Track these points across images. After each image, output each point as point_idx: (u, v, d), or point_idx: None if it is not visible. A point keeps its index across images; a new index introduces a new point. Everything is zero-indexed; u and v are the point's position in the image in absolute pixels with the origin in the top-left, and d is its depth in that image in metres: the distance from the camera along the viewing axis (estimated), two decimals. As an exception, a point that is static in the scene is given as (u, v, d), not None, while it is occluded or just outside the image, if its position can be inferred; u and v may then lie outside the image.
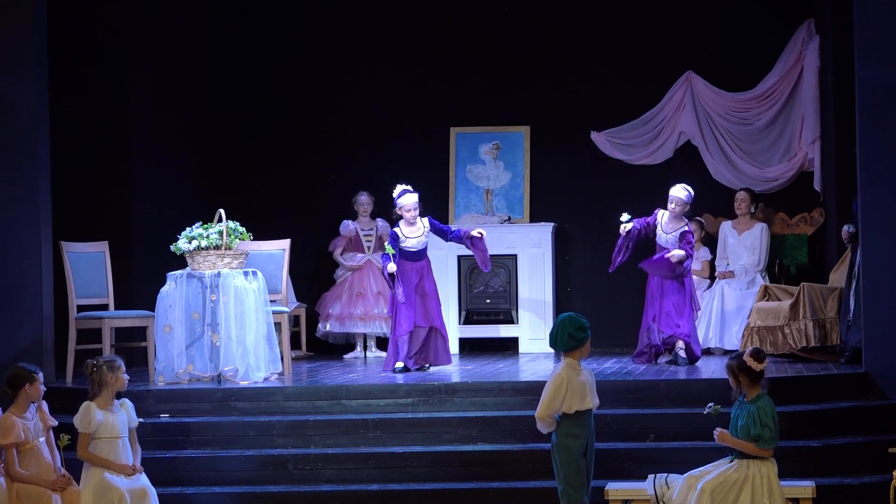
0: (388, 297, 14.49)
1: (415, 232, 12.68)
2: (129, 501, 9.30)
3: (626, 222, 12.67)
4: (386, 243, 12.67)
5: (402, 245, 12.65)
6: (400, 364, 12.41)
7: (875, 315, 11.35)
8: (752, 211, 14.52)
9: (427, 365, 12.57)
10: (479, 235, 12.76)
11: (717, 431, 8.98)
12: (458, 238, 12.87)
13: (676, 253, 12.50)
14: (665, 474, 9.10)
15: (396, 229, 12.70)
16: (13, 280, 11.58)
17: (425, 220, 12.75)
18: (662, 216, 12.72)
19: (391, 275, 12.52)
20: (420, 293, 12.60)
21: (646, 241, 12.88)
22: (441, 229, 12.85)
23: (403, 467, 10.29)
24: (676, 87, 15.19)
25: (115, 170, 13.87)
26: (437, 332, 12.58)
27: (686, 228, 12.65)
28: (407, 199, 12.67)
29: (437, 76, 15.49)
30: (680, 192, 12.70)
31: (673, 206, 12.65)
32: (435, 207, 15.04)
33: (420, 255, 12.69)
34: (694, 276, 14.56)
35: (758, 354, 8.98)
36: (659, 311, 12.57)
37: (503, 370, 12.63)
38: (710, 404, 9.26)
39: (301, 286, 14.96)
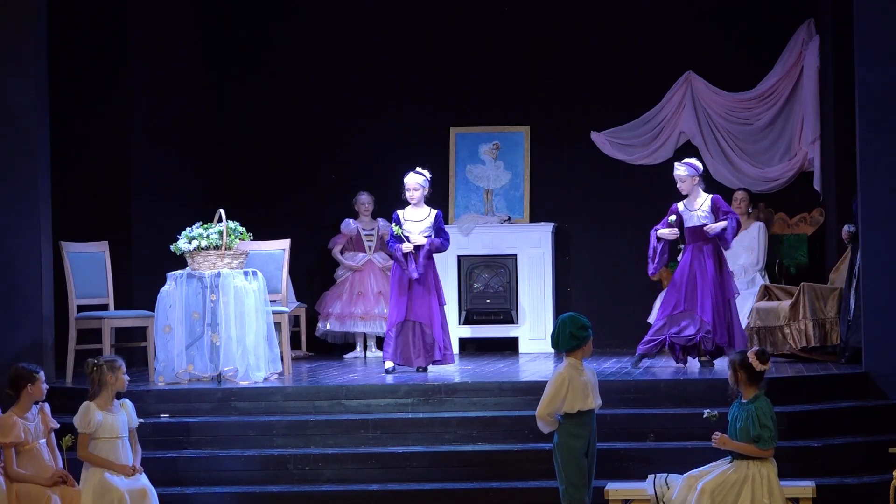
0: (388, 297, 14.50)
1: (416, 216, 12.39)
2: (129, 502, 9.30)
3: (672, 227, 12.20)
4: (393, 225, 12.26)
5: (403, 230, 12.31)
6: (390, 364, 12.32)
7: (875, 315, 11.35)
8: (750, 211, 14.52)
9: (422, 367, 12.37)
10: (411, 250, 12.25)
11: (717, 436, 8.98)
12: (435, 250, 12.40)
13: (714, 226, 12.04)
14: (665, 474, 9.10)
15: (400, 212, 12.43)
16: (13, 280, 11.58)
17: (434, 211, 12.49)
18: (682, 203, 12.31)
19: (405, 255, 12.15)
20: (417, 285, 12.29)
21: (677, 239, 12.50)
22: (440, 229, 12.43)
23: (403, 467, 10.28)
24: (676, 87, 15.20)
25: (115, 170, 13.87)
26: (422, 328, 12.26)
27: (712, 197, 12.20)
28: (410, 177, 12.46)
29: (437, 76, 15.50)
30: (679, 169, 12.28)
31: (679, 185, 12.26)
32: (435, 207, 15.02)
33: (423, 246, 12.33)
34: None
35: (762, 355, 8.97)
36: (695, 305, 12.03)
37: (503, 370, 12.63)
38: (707, 410, 9.27)
39: (301, 286, 14.97)
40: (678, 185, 12.32)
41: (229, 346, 11.52)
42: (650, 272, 12.48)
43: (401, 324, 12.28)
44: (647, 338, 12.29)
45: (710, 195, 12.29)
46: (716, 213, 12.21)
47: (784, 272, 14.38)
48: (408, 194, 12.43)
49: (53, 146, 12.00)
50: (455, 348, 14.89)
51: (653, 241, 12.32)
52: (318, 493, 10.10)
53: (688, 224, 12.30)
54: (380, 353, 14.30)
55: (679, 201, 12.36)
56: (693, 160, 12.45)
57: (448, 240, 12.52)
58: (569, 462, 8.81)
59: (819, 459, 10.08)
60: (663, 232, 12.25)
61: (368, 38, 15.60)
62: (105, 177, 13.81)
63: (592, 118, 15.28)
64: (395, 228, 12.20)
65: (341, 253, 14.93)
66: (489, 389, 10.96)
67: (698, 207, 12.27)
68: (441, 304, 12.42)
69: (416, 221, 12.41)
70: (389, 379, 11.77)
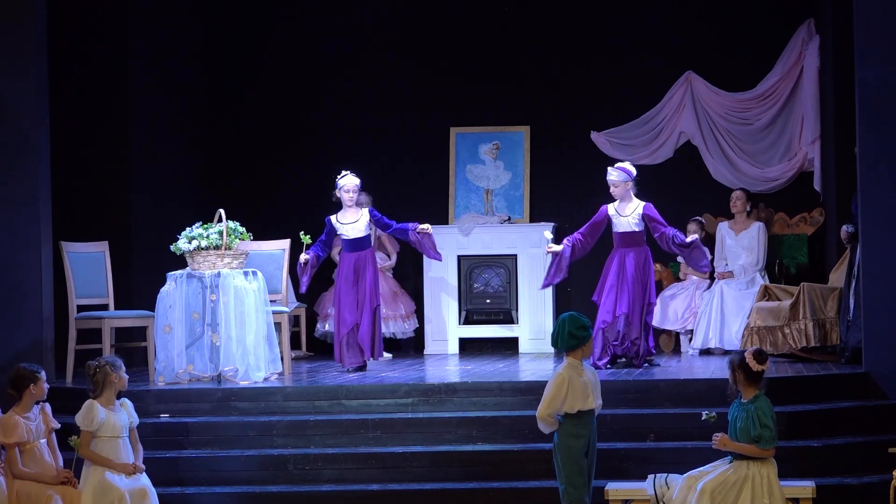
0: (386, 297, 14.51)
1: (349, 218, 12.63)
2: (130, 501, 9.30)
3: (551, 242, 12.51)
4: (300, 233, 12.53)
5: (339, 232, 12.62)
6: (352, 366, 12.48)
7: (875, 315, 11.35)
8: (748, 210, 14.52)
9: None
10: (428, 231, 12.57)
11: (717, 437, 8.97)
12: (404, 231, 12.66)
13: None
14: (665, 474, 9.10)
15: (333, 217, 12.67)
16: (13, 280, 11.58)
17: (366, 210, 12.69)
18: (613, 206, 12.38)
19: (304, 263, 12.47)
20: (357, 285, 12.54)
21: (590, 252, 12.65)
22: (383, 222, 12.70)
23: (403, 467, 10.29)
24: (676, 87, 15.19)
25: (115, 170, 13.87)
26: (367, 323, 12.49)
27: (644, 205, 12.26)
28: (346, 180, 12.65)
29: (437, 76, 15.49)
30: (612, 174, 12.34)
31: (612, 189, 12.32)
32: (435, 207, 15.05)
33: (357, 244, 12.61)
34: (693, 277, 14.58)
35: (759, 355, 8.97)
36: (623, 311, 12.19)
37: (503, 370, 12.63)
38: (705, 412, 9.27)
39: (301, 286, 14.96)
40: (611, 190, 12.38)
41: (229, 346, 11.52)
42: (540, 288, 12.91)
43: (355, 326, 12.54)
44: (597, 353, 12.25)
45: (643, 202, 12.34)
46: (648, 222, 12.26)
47: (784, 272, 14.38)
48: (346, 196, 12.60)
49: (53, 146, 12.00)
50: (455, 348, 14.90)
51: (564, 250, 12.39)
52: (318, 493, 10.10)
53: (617, 229, 12.37)
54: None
55: (610, 203, 12.43)
56: (626, 164, 12.50)
57: (390, 221, 12.71)
58: (569, 462, 8.81)
59: (819, 459, 10.08)
60: (553, 249, 12.41)
61: (368, 38, 15.60)
62: (105, 177, 13.82)
63: (592, 118, 15.28)
64: (302, 238, 12.38)
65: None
66: (489, 389, 10.96)
67: (629, 213, 12.32)
68: (374, 304, 12.59)
69: (351, 223, 12.62)
70: (397, 378, 11.77)
